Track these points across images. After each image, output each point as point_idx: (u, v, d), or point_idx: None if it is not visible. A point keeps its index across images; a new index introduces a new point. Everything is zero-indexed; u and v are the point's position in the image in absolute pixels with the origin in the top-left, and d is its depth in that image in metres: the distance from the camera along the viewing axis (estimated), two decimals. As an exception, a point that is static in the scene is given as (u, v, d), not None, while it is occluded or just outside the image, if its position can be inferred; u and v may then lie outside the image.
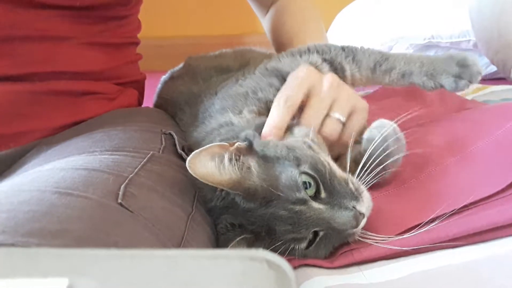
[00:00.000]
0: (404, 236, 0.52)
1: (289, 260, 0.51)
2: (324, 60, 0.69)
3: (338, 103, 0.62)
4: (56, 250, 0.30)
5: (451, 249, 0.51)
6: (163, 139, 0.63)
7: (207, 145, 0.52)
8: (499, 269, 0.48)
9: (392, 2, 1.64)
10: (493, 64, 1.34)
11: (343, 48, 0.71)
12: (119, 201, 0.45)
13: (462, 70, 0.66)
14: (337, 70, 0.69)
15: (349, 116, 0.63)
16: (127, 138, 0.60)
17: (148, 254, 0.27)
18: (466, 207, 0.54)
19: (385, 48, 1.55)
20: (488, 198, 0.55)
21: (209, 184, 0.52)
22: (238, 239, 0.53)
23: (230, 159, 0.52)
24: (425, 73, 0.68)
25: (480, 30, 1.29)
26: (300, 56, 0.70)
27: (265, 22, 0.96)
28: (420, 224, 0.52)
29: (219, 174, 0.52)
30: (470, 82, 0.66)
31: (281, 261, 0.25)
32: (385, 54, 0.70)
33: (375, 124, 0.63)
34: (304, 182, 0.51)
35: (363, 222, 0.52)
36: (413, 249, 0.51)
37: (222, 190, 0.54)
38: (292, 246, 0.51)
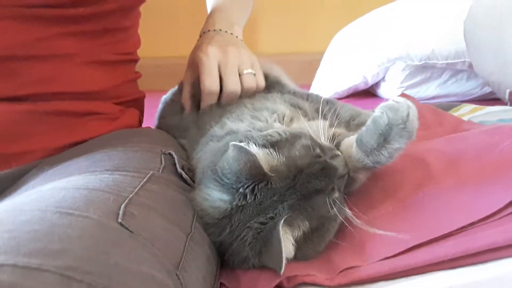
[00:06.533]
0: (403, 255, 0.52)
1: (290, 277, 0.52)
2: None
3: (242, 63, 0.79)
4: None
5: (451, 270, 0.51)
6: (163, 159, 0.63)
7: None
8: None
9: (389, 24, 1.66)
10: (488, 85, 1.35)
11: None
12: (119, 220, 0.45)
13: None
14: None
15: (252, 67, 0.80)
16: (128, 158, 0.60)
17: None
18: (464, 228, 0.54)
19: (381, 69, 1.57)
20: (487, 218, 0.55)
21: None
22: (280, 226, 0.52)
23: None
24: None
25: (475, 51, 1.30)
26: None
27: None
28: (420, 244, 0.52)
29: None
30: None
31: None
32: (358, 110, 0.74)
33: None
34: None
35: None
36: (412, 269, 0.51)
37: (245, 187, 0.54)
38: (331, 197, 0.56)
